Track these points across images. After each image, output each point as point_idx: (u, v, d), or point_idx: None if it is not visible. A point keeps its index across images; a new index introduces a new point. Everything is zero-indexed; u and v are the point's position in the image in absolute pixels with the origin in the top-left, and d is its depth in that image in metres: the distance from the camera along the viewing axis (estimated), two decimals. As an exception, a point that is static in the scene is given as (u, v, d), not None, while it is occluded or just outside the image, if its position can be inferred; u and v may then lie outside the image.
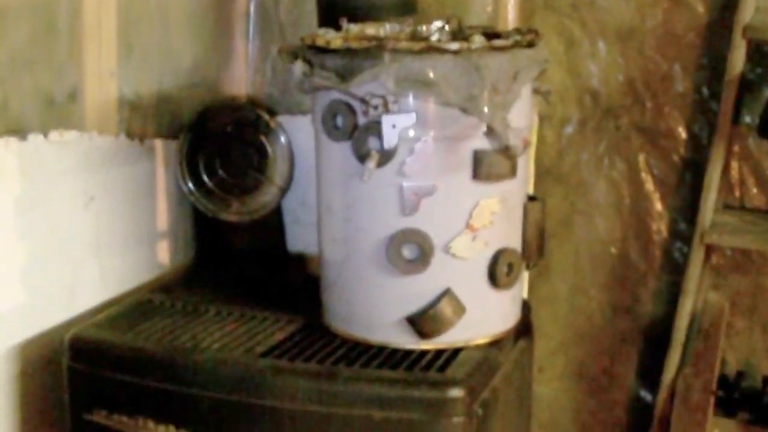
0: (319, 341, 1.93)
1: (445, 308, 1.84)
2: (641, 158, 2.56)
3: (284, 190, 2.31)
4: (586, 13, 2.56)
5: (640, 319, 2.64)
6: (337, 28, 1.95)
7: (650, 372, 2.62)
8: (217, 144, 2.35)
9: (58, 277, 2.13)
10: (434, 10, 2.37)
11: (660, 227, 2.57)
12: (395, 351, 1.87)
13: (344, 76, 1.78)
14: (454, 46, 1.76)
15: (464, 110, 1.75)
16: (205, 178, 2.36)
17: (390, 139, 1.76)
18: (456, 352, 1.87)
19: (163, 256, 2.46)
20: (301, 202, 2.33)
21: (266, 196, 2.32)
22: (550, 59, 1.93)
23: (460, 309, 1.85)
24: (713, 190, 2.40)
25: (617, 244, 2.61)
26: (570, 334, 2.69)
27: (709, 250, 2.47)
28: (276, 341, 1.93)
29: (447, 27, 2.02)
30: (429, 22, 2.02)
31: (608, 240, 2.62)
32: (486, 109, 1.76)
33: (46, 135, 2.04)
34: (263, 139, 2.30)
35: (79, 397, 1.94)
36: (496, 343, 1.94)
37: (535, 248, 1.98)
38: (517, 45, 1.83)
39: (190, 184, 2.36)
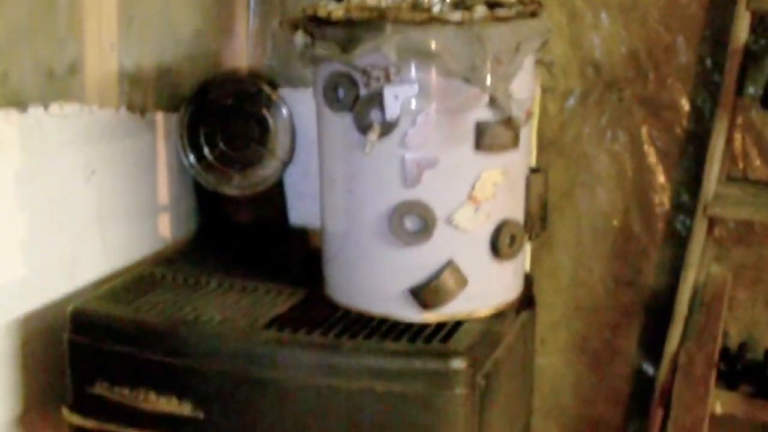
0: (322, 313, 1.93)
1: (448, 280, 1.83)
2: (644, 130, 2.55)
3: (286, 163, 2.30)
4: (589, -17, 2.55)
5: (642, 291, 2.63)
6: (339, -1, 1.94)
7: (652, 345, 2.62)
8: (218, 117, 2.33)
9: (60, 250, 2.13)
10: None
11: (662, 199, 2.57)
12: (397, 323, 1.87)
13: (346, 47, 1.78)
14: (457, 16, 1.75)
15: (467, 81, 1.75)
16: (206, 151, 2.34)
17: (392, 110, 1.76)
18: (458, 323, 1.87)
19: (165, 229, 2.46)
20: (302, 175, 2.31)
21: (267, 170, 2.31)
22: (553, 30, 1.92)
23: (462, 280, 1.85)
24: (716, 162, 2.40)
25: (619, 217, 2.61)
26: (572, 306, 2.69)
27: (712, 222, 2.46)
28: (278, 313, 1.93)
29: (449, -3, 2.01)
30: (431, -8, 2.01)
31: (610, 212, 2.61)
32: (488, 80, 1.75)
33: (46, 107, 2.04)
34: (264, 111, 2.28)
35: (80, 370, 1.94)
36: (498, 315, 1.94)
37: (538, 220, 1.98)
38: (519, 15, 1.82)
39: (191, 158, 2.35)
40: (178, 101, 2.39)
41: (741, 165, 2.52)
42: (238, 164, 2.33)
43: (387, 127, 1.78)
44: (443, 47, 1.73)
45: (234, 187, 2.33)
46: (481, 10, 1.80)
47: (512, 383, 2.07)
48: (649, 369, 2.66)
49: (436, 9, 1.92)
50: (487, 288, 1.91)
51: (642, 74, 2.53)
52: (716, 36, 2.46)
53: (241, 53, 2.63)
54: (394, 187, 1.82)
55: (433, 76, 1.76)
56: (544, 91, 2.53)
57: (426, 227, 1.81)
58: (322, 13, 1.83)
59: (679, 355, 2.44)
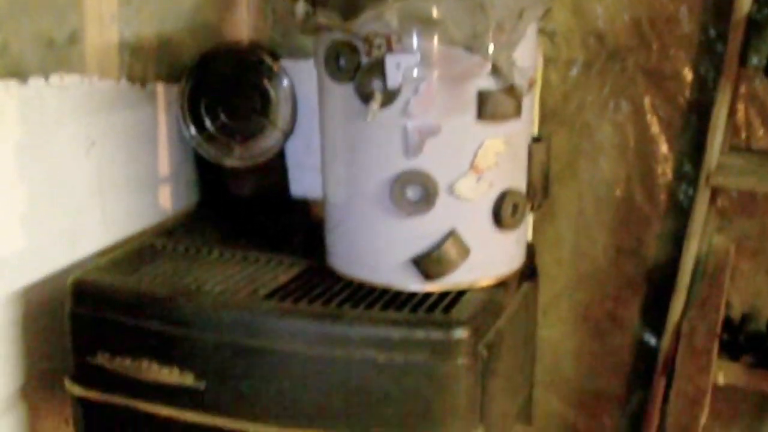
0: (323, 283, 1.93)
1: (450, 249, 1.83)
2: (647, 100, 2.54)
3: (287, 135, 2.30)
4: (592, -49, 2.54)
5: (645, 262, 2.63)
6: (340, -34, 1.93)
7: (655, 315, 2.61)
8: (219, 88, 2.33)
9: (60, 221, 2.12)
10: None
11: (665, 170, 2.56)
12: (399, 293, 1.87)
13: (347, 15, 1.76)
14: (459, -17, 1.74)
15: (469, 49, 1.74)
16: (207, 122, 2.34)
17: (394, 79, 1.75)
18: (460, 293, 1.87)
19: (165, 200, 2.46)
20: (304, 146, 2.31)
21: (269, 141, 2.31)
22: (555, -2, 1.91)
23: (464, 250, 1.84)
24: (719, 132, 2.38)
25: (622, 187, 2.60)
26: (574, 277, 2.68)
27: (715, 192, 2.46)
28: (279, 283, 1.93)
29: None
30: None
31: (613, 183, 2.60)
32: (491, 48, 1.74)
33: (46, 78, 2.03)
34: (266, 83, 2.28)
35: (82, 341, 1.94)
36: (500, 285, 1.94)
37: (540, 189, 1.98)
38: (522, -17, 1.81)
39: (192, 129, 2.35)
40: (178, 72, 2.38)
41: (744, 135, 2.50)
42: (239, 135, 2.33)
43: (389, 96, 1.77)
44: (445, 14, 1.72)
45: (235, 158, 2.33)
46: (483, -23, 1.80)
47: (514, 354, 2.07)
48: (651, 340, 2.65)
49: (438, -24, 1.91)
50: (489, 258, 1.91)
51: (645, 44, 2.51)
52: (719, 5, 2.44)
53: (242, 24, 2.62)
54: (396, 156, 1.81)
55: (435, 44, 1.75)
56: (547, 60, 2.52)
57: (428, 197, 1.81)
58: (323, -20, 1.82)
59: (682, 325, 2.44)
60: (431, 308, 1.80)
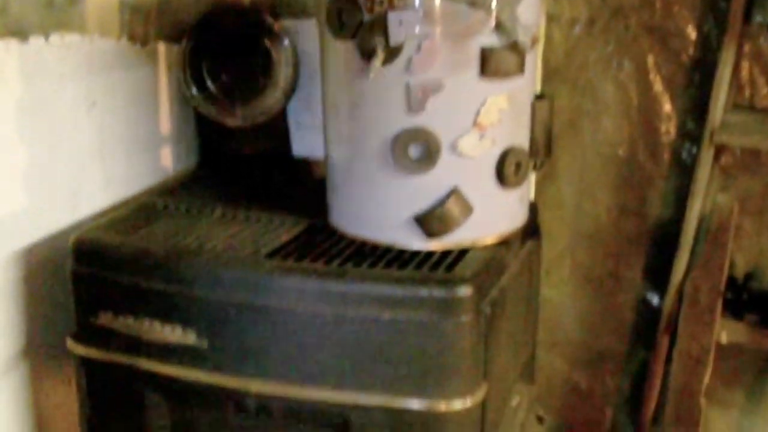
0: (326, 242, 1.92)
1: (453, 207, 1.82)
2: (650, 59, 2.53)
3: (288, 94, 2.28)
4: None
5: (648, 221, 2.62)
6: None
7: (658, 274, 2.62)
8: (220, 48, 2.31)
9: (62, 181, 2.12)
10: None
11: (668, 128, 2.55)
12: (402, 251, 1.87)
13: (349, -29, 1.76)
14: (462, -63, 1.72)
15: (472, 5, 1.72)
16: (209, 82, 2.33)
17: (396, 35, 1.74)
18: (463, 251, 1.86)
19: (167, 160, 2.45)
20: (305, 106, 2.30)
21: (270, 101, 2.29)
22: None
23: (467, 208, 1.84)
24: (723, 90, 2.38)
25: (625, 146, 2.59)
26: (576, 236, 2.68)
27: (719, 150, 2.45)
28: (282, 242, 1.92)
29: None
30: None
31: (616, 142, 2.59)
32: (494, 4, 1.73)
33: (47, 38, 2.02)
34: (267, 42, 2.26)
35: (84, 300, 1.93)
36: (503, 243, 1.93)
37: (543, 147, 1.97)
38: (525, -63, 1.80)
39: (193, 89, 2.34)
40: (179, 32, 2.36)
41: (748, 93, 2.49)
42: (241, 95, 2.31)
43: (391, 53, 1.75)
44: (448, -30, 1.71)
45: (236, 118, 2.32)
46: (487, -69, 1.78)
47: (517, 312, 2.07)
48: (654, 299, 2.65)
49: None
50: (492, 216, 1.90)
51: (648, 1, 2.50)
52: (724, -38, 2.44)
53: (243, -17, 2.60)
54: (398, 114, 1.80)
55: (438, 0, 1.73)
56: (550, 18, 2.51)
57: (430, 155, 1.80)
58: (324, -64, 1.81)
59: (685, 284, 2.44)
60: (434, 266, 1.80)
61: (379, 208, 1.88)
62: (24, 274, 2.04)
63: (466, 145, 1.80)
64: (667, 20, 2.50)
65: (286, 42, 2.24)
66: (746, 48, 2.46)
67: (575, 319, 2.75)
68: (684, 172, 2.54)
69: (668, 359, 2.53)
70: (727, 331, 2.47)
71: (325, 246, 1.90)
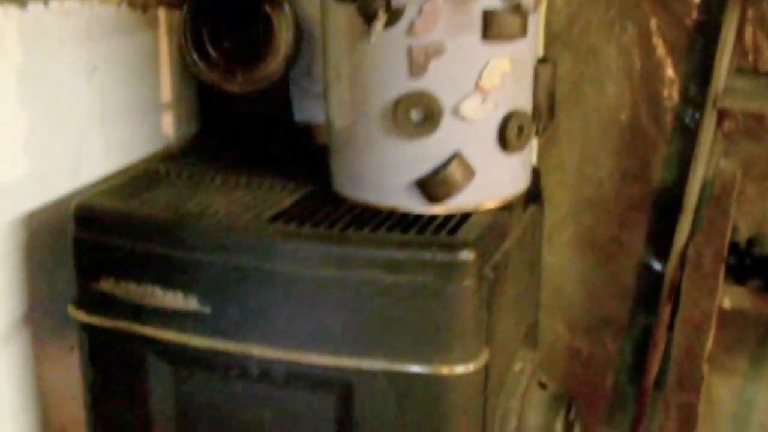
0: (328, 207, 1.92)
1: (455, 171, 1.81)
2: (653, 23, 2.52)
3: (289, 60, 2.27)
4: None
5: (650, 186, 2.62)
6: None
7: (660, 240, 2.61)
8: (221, 14, 2.31)
9: (63, 148, 2.11)
10: None
11: (671, 93, 2.54)
12: (404, 215, 1.86)
13: (350, -68, 1.75)
14: None
15: (474, -34, 1.72)
16: (210, 48, 2.32)
17: (398, -3, 1.73)
18: (466, 216, 1.86)
19: (168, 127, 2.44)
20: (307, 72, 2.29)
21: (271, 66, 2.29)
22: None
23: (469, 172, 1.83)
24: (726, 55, 2.37)
25: (627, 111, 2.58)
26: (579, 202, 2.68)
27: (722, 115, 2.44)
28: (284, 207, 1.92)
29: None
30: None
31: (618, 107, 2.59)
32: (496, -35, 1.72)
33: (46, 3, 2.01)
34: (268, 8, 2.26)
35: (85, 266, 1.93)
36: (506, 208, 1.93)
37: (546, 110, 1.96)
38: None
39: (195, 55, 2.33)
40: (180, -3, 2.36)
41: (751, 57, 2.48)
42: (242, 61, 2.30)
43: (392, 16, 1.74)
44: (450, -70, 1.70)
45: (237, 84, 2.31)
46: None
47: (520, 277, 2.06)
48: (656, 264, 2.65)
49: None
50: (494, 180, 1.90)
51: (651, -35, 2.50)
52: (728, -76, 2.42)
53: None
54: (400, 77, 1.79)
55: (440, -40, 1.73)
56: (553, -19, 2.51)
57: (432, 118, 1.79)
58: None
59: (688, 250, 2.44)
60: (437, 230, 1.79)
61: (381, 173, 1.88)
62: (25, 241, 2.03)
63: (468, 109, 1.79)
64: (670, -17, 2.50)
65: (287, 7, 2.24)
66: (750, 13, 2.45)
67: (577, 284, 2.75)
68: (687, 137, 2.53)
69: (671, 325, 2.53)
70: (729, 297, 2.47)
71: (327, 210, 1.89)
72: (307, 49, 2.25)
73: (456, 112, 1.79)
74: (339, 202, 1.94)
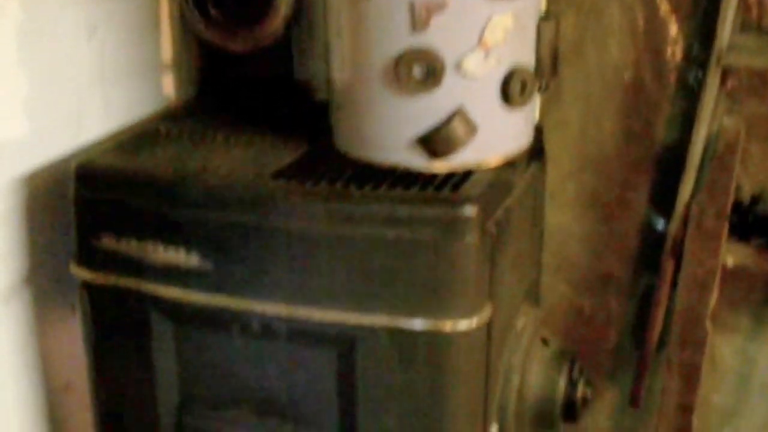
0: (330, 164, 1.91)
1: (457, 127, 1.81)
2: (656, -20, 2.51)
3: (291, 18, 2.26)
4: None
5: (654, 145, 2.60)
6: None
7: (663, 199, 2.60)
8: (221, -28, 2.30)
9: (63, 107, 2.11)
10: None
11: (675, 51, 2.52)
12: (407, 172, 1.85)
13: None
14: None
15: None
16: (211, 7, 2.31)
17: (399, -49, 1.72)
18: (468, 173, 1.85)
19: (168, 87, 2.44)
20: (308, 29, 2.29)
21: (273, 24, 2.28)
22: None
23: (471, 128, 1.82)
24: (730, 12, 2.35)
25: (630, 70, 2.56)
26: (581, 161, 2.67)
27: (725, 73, 2.43)
28: (285, 164, 1.91)
29: None
30: None
31: (621, 65, 2.57)
32: None
33: (45, -38, 2.00)
34: (268, -34, 2.25)
35: (86, 224, 1.93)
36: (509, 164, 1.92)
37: (549, 67, 1.94)
38: None
39: (195, 14, 2.32)
40: (180, -45, 2.35)
41: (755, 14, 2.46)
42: (243, 20, 2.29)
43: (394, -29, 1.74)
44: None
45: (239, 42, 2.30)
46: None
47: (523, 235, 2.06)
48: (659, 223, 2.64)
49: None
50: (497, 136, 1.89)
51: None
52: None
53: None
54: (402, 33, 1.77)
55: None
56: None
57: (434, 74, 1.78)
58: None
59: (691, 208, 2.43)
60: (439, 186, 1.79)
61: (382, 129, 1.87)
62: (26, 201, 2.04)
63: (471, 64, 1.78)
64: (673, -61, 2.48)
65: (288, -34, 2.23)
66: (754, -31, 2.44)
67: (580, 243, 2.74)
68: (690, 95, 2.52)
69: (673, 283, 2.53)
70: (732, 255, 2.46)
71: (328, 167, 1.89)
72: (309, 5, 2.24)
73: (458, 68, 1.78)
74: (340, 159, 1.93)
